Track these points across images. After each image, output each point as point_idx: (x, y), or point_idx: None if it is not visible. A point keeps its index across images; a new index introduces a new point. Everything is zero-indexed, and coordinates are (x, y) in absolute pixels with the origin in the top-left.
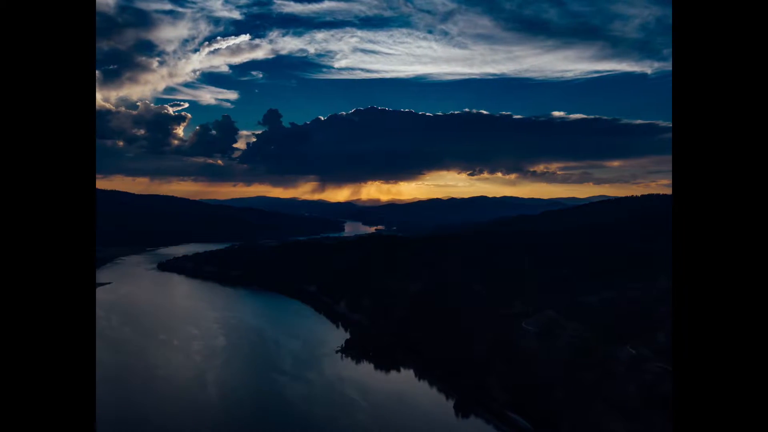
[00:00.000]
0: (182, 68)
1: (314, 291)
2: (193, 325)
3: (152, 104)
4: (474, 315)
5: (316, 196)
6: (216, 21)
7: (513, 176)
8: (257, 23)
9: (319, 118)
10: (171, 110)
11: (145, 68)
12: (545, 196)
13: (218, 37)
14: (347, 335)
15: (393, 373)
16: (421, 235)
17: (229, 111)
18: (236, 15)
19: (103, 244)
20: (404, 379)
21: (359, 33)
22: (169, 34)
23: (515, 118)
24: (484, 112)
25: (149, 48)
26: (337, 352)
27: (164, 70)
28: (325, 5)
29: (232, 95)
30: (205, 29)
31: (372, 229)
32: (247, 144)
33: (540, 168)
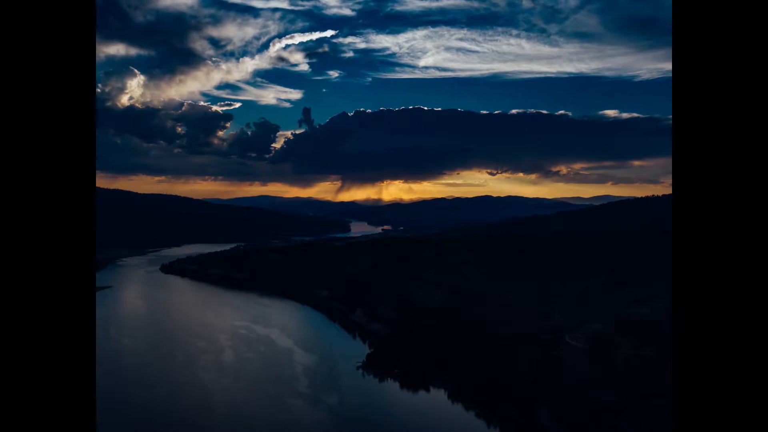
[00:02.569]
0: (244, 66)
1: (326, 296)
2: (199, 336)
3: (202, 102)
4: (509, 327)
5: (330, 197)
6: (293, 18)
7: (534, 176)
8: (360, 21)
9: (366, 113)
10: (218, 109)
11: (204, 66)
12: (549, 196)
13: (294, 34)
14: (367, 348)
15: (422, 393)
16: (433, 235)
17: (288, 111)
18: (347, 12)
19: (103, 244)
20: (436, 402)
21: (455, 31)
22: (239, 31)
23: (568, 118)
24: (543, 111)
25: (214, 45)
26: (358, 368)
27: (225, 67)
28: (443, 2)
29: (296, 95)
30: (275, 27)
31: (379, 229)
32: (285, 143)
33: (562, 168)
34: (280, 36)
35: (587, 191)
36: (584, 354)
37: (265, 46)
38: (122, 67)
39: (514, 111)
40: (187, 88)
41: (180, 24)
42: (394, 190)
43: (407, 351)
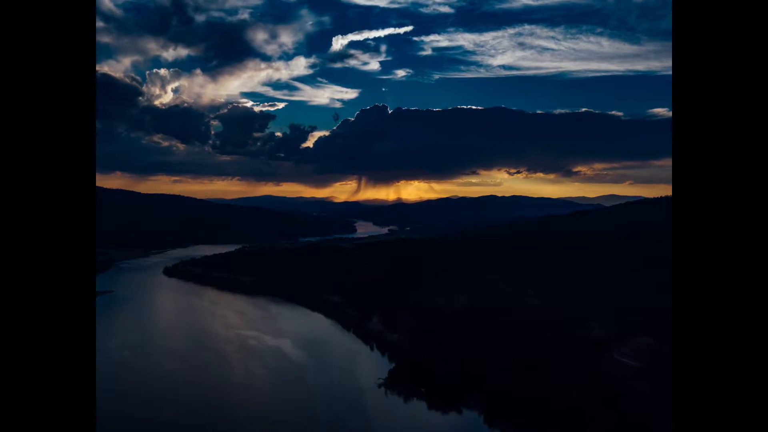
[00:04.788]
0: (300, 64)
1: (338, 302)
2: (205, 347)
3: (248, 102)
4: (543, 338)
5: (344, 197)
6: (366, 14)
7: (553, 176)
8: (449, 19)
9: (403, 112)
10: (260, 109)
11: (256, 65)
12: (554, 195)
13: (364, 31)
14: (387, 361)
15: (453, 415)
16: (445, 236)
17: (338, 111)
18: (446, 9)
19: (105, 246)
20: (470, 425)
21: (546, 30)
22: (300, 29)
23: (613, 117)
24: (593, 111)
25: (272, 43)
26: (380, 386)
27: (276, 65)
28: (547, 1)
29: (352, 94)
30: (341, 24)
31: (385, 230)
32: (313, 144)
33: (582, 168)
34: (345, 33)
35: (593, 191)
36: (640, 373)
37: (328, 44)
38: (169, 68)
39: (559, 111)
40: (235, 87)
41: (239, 23)
42: (413, 190)
43: (432, 365)
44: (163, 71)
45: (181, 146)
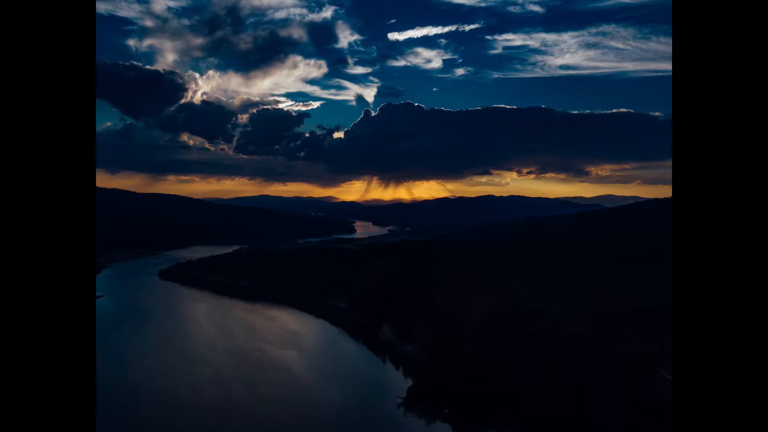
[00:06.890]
0: (348, 62)
1: (344, 309)
2: (203, 361)
3: (279, 103)
4: (578, 353)
5: (348, 197)
6: (442, 12)
7: (563, 175)
8: (532, 19)
9: (434, 111)
10: (293, 109)
11: (290, 63)
12: (552, 195)
13: (428, 27)
14: (401, 376)
15: None
16: (450, 237)
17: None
18: (537, 8)
19: (98, 246)
20: None
21: (628, 30)
22: (348, 27)
23: (650, 117)
24: (633, 111)
25: (319, 41)
26: (399, 406)
27: (319, 64)
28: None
29: (398, 93)
30: (394, 20)
31: (385, 230)
32: (329, 143)
33: (595, 169)
34: (401, 29)
35: (591, 191)
36: None
37: (386, 40)
38: (209, 68)
39: (588, 111)
40: (275, 87)
41: (285, 21)
42: (424, 190)
43: (455, 382)
44: (195, 73)
45: (207, 145)
